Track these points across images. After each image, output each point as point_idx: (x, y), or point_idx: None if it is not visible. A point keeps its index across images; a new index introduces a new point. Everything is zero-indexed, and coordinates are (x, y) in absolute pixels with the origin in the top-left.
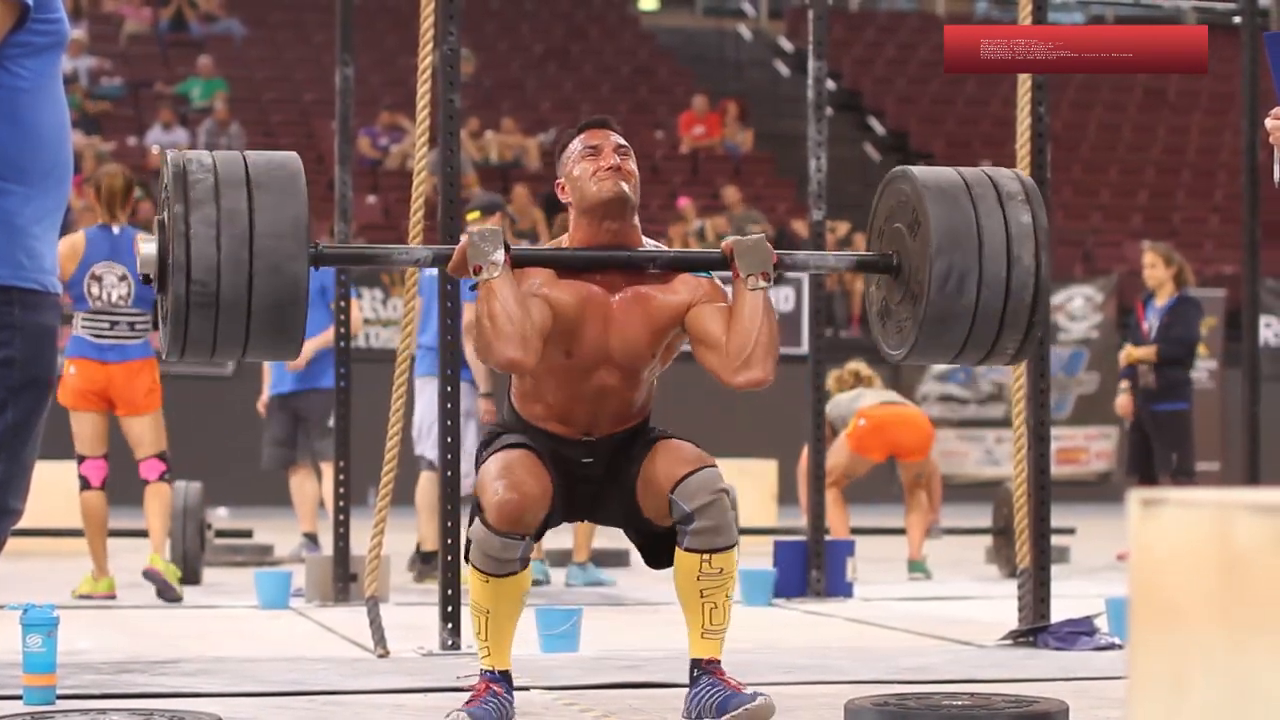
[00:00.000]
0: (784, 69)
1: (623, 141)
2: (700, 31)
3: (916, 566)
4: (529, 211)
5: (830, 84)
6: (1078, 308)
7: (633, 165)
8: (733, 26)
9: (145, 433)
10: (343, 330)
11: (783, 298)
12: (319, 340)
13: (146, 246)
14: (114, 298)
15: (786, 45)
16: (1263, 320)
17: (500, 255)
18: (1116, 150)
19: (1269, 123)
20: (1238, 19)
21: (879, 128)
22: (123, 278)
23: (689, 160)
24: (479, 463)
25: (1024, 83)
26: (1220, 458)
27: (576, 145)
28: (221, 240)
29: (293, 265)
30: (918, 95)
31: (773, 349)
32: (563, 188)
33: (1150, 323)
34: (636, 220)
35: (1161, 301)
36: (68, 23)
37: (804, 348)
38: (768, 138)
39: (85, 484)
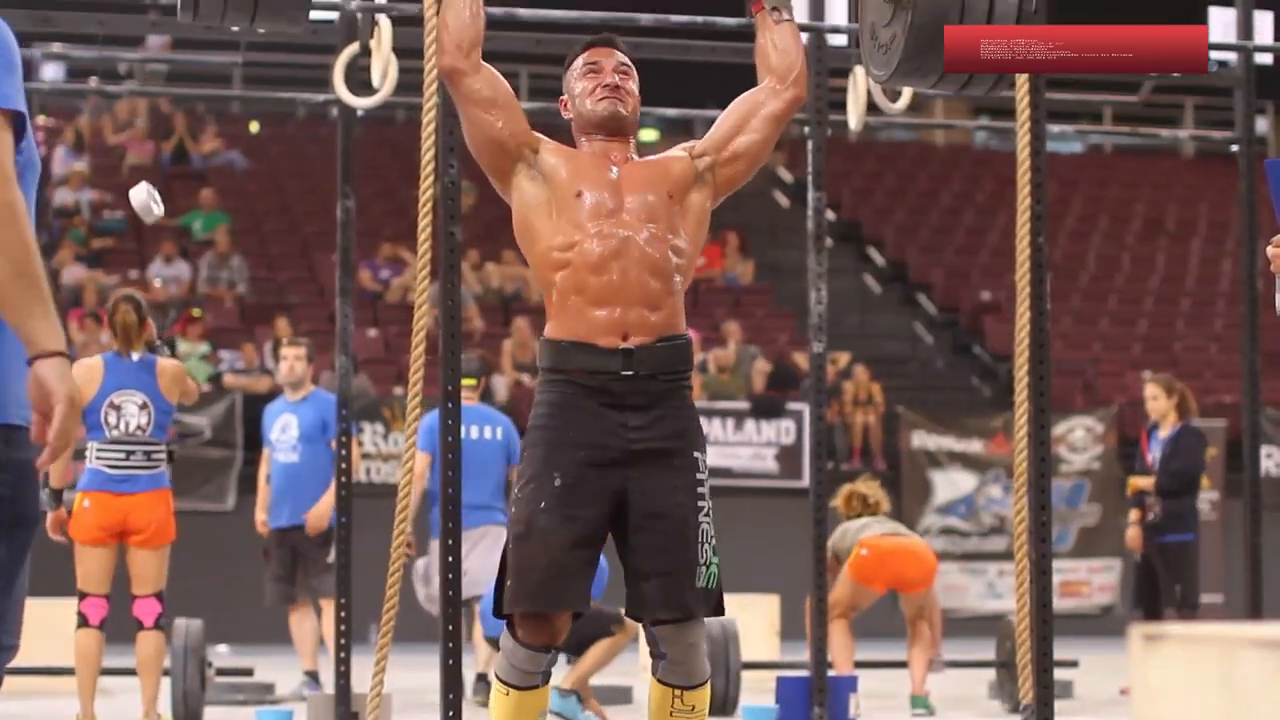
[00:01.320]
0: (783, 199)
1: (625, 60)
2: None
3: (919, 702)
4: (530, 345)
5: (830, 214)
6: (1079, 439)
7: (633, 85)
8: None
9: (150, 568)
10: (344, 466)
11: (783, 431)
12: (328, 502)
13: None
14: (133, 426)
15: (786, 176)
16: (1264, 450)
17: None
18: (1115, 280)
19: (1270, 250)
20: (1235, 147)
21: (879, 258)
22: (143, 406)
23: (689, 292)
24: (509, 547)
25: (1023, 213)
26: (1223, 589)
27: (580, 62)
28: None
29: None
30: (917, 226)
31: (806, 71)
32: (565, 104)
33: (1154, 453)
34: (634, 143)
35: (1165, 432)
36: (37, 153)
37: (805, 481)
38: (767, 268)
39: (83, 621)
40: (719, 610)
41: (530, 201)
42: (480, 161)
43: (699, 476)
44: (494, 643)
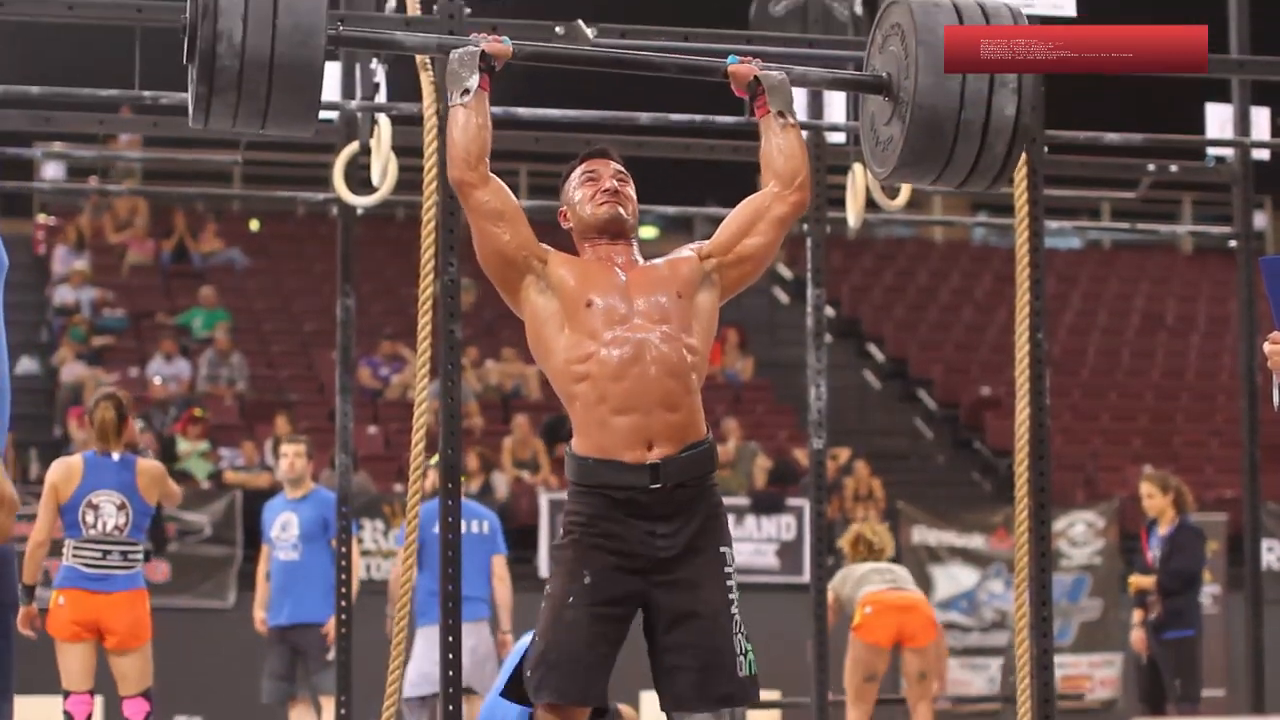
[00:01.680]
0: (783, 296)
1: (621, 168)
2: None
3: None
4: (530, 442)
5: (829, 311)
6: (1079, 534)
7: (631, 191)
8: None
9: (132, 669)
10: (344, 564)
11: (784, 526)
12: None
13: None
14: (109, 527)
15: (785, 272)
16: (1265, 544)
17: (474, 81)
18: (1115, 375)
19: (1267, 347)
20: (1233, 242)
21: (878, 354)
22: (121, 506)
23: None
24: (536, 638)
25: (1022, 309)
26: (1225, 683)
27: (577, 173)
28: (245, 61)
29: (313, 58)
30: (916, 322)
31: (810, 177)
32: (564, 214)
33: (1154, 551)
34: (636, 245)
35: (1164, 529)
36: (5, 254)
37: (805, 577)
38: (767, 365)
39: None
40: (758, 696)
41: (542, 315)
42: (489, 274)
43: (726, 570)
44: None
